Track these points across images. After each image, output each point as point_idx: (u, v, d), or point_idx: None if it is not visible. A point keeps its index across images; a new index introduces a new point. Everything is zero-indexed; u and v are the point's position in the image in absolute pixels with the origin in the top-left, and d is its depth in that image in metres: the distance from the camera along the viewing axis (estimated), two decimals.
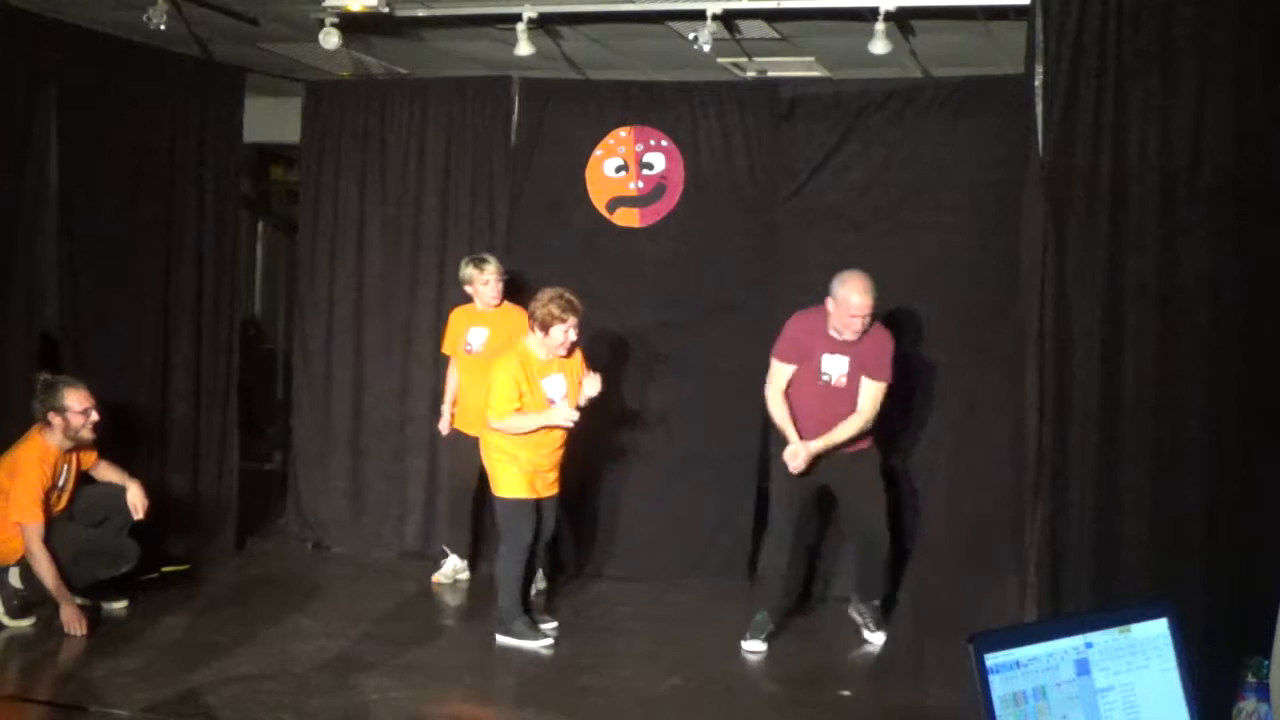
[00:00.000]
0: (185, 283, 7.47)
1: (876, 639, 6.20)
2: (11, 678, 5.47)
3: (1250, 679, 2.52)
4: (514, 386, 5.94)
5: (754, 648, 6.07)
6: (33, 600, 6.01)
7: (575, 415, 5.97)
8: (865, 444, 6.08)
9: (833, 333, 5.89)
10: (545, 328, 5.94)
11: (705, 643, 6.24)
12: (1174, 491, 4.71)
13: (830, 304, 5.85)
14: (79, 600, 5.99)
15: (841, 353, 5.91)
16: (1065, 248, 4.84)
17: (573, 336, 6.01)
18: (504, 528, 6.14)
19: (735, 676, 5.81)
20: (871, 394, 5.92)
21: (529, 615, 6.18)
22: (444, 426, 7.19)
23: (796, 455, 5.87)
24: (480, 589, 7.08)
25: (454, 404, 7.14)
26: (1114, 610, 1.97)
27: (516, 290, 7.61)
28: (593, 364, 6.34)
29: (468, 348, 7.08)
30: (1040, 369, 4.93)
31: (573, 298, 5.98)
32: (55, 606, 5.97)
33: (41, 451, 6.05)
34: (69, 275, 6.81)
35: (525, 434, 5.98)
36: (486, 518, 7.19)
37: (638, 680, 5.66)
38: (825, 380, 5.92)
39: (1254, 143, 4.61)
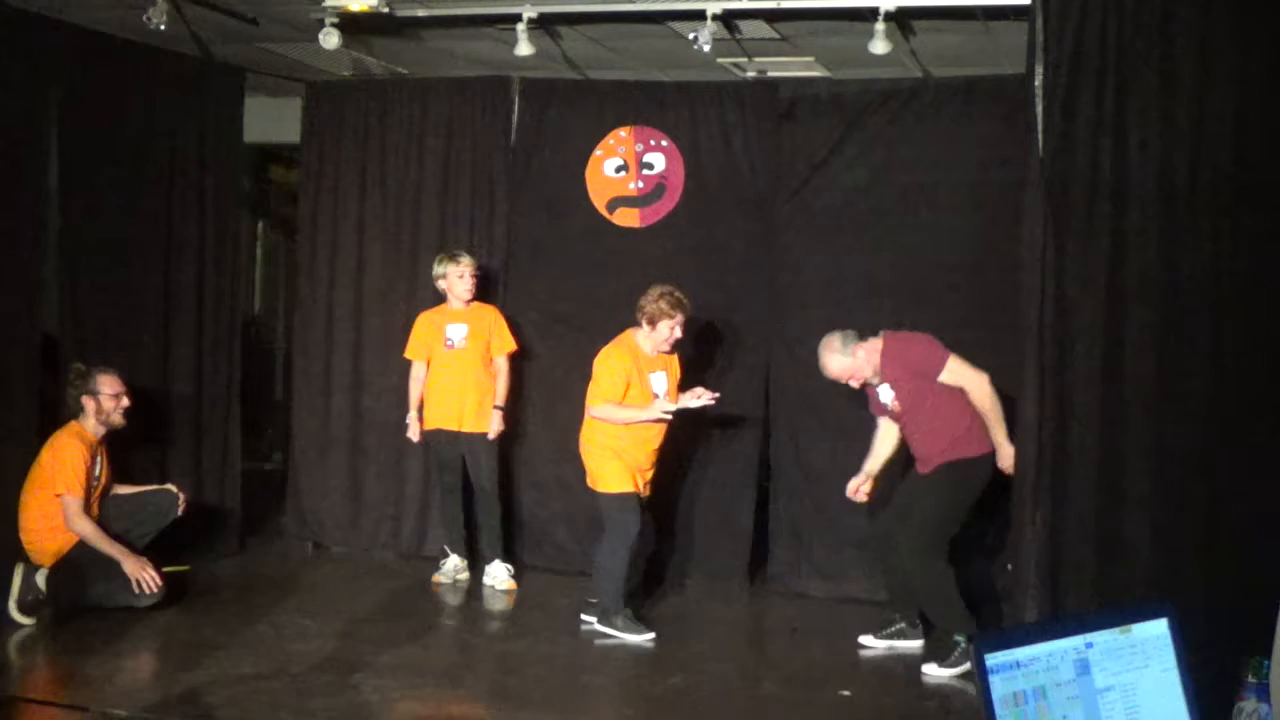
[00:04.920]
0: (185, 283, 7.46)
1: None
2: (12, 678, 5.46)
3: (1250, 679, 2.52)
4: (623, 377, 6.11)
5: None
6: (45, 604, 6.02)
7: (673, 407, 6.10)
8: (954, 454, 5.72)
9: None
10: (653, 322, 6.14)
11: (705, 643, 6.24)
12: (1174, 491, 4.71)
13: None
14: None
15: (885, 380, 5.86)
16: (1065, 248, 4.85)
17: (678, 334, 6.20)
18: (610, 522, 6.19)
19: (735, 676, 5.80)
20: (974, 392, 5.66)
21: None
22: (413, 434, 7.20)
23: (856, 490, 6.00)
24: (480, 588, 7.09)
25: (421, 407, 7.14)
26: (1114, 610, 1.98)
27: (513, 290, 7.62)
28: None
29: (449, 344, 7.09)
30: (1040, 369, 4.93)
31: (681, 295, 6.18)
32: (56, 609, 5.98)
33: (79, 432, 6.22)
34: (69, 275, 6.81)
35: (627, 428, 6.11)
36: (477, 514, 7.21)
37: (638, 680, 5.66)
38: (891, 410, 5.89)
39: (1254, 143, 4.61)
